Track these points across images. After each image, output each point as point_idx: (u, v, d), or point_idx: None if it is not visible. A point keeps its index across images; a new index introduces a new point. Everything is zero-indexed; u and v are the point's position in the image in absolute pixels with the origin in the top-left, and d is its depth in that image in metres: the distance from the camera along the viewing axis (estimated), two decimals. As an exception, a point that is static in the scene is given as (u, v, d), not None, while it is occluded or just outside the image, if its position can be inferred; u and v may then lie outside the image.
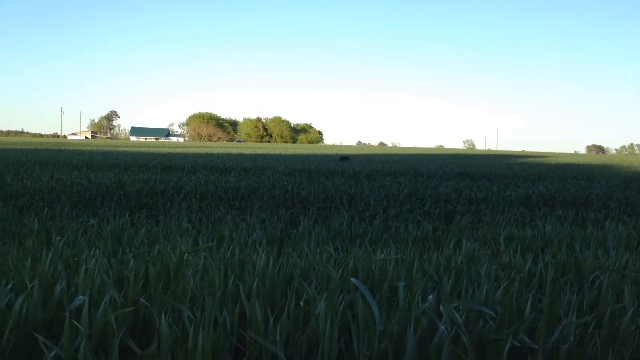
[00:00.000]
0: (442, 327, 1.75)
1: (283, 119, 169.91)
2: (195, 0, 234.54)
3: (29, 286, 1.97)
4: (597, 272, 2.80)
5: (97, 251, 3.30)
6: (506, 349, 1.65)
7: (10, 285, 2.09)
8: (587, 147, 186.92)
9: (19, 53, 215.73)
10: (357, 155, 30.68)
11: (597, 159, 43.44)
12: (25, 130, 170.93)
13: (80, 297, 1.86)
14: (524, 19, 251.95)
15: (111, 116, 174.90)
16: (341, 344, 1.94)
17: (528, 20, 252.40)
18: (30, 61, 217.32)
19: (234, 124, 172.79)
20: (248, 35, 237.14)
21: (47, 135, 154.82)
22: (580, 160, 34.54)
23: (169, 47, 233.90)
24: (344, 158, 23.64)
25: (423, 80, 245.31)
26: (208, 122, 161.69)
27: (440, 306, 1.98)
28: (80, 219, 5.58)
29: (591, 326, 1.97)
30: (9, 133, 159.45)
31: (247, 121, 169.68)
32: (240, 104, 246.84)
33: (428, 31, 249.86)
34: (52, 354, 1.65)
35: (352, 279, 2.06)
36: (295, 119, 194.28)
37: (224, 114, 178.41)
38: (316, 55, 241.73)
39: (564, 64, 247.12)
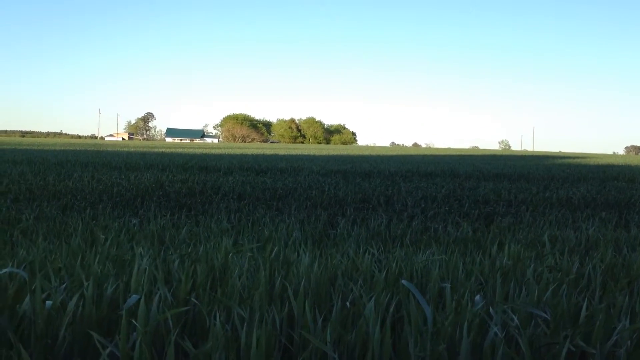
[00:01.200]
0: (494, 329, 1.73)
1: (317, 119, 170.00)
2: (233, 3, 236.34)
3: (84, 284, 2.00)
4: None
5: (142, 251, 3.35)
6: (563, 353, 1.62)
7: (64, 284, 2.13)
8: (626, 147, 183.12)
9: (57, 55, 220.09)
10: (398, 156, 30.56)
11: (637, 160, 42.53)
12: (63, 132, 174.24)
13: (134, 296, 1.88)
14: (561, 20, 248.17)
15: (147, 118, 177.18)
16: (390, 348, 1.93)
17: (566, 22, 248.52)
18: (69, 63, 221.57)
19: (267, 125, 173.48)
20: (282, 38, 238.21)
21: (85, 137, 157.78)
22: (620, 161, 33.88)
23: (204, 49, 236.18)
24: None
25: (457, 80, 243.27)
26: (242, 123, 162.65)
27: (491, 308, 1.96)
28: (122, 219, 5.65)
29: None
30: (48, 134, 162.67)
31: (281, 122, 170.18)
32: (274, 106, 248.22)
33: (463, 34, 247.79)
34: (107, 351, 1.67)
35: (402, 281, 2.05)
36: (329, 120, 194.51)
37: (258, 115, 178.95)
38: (350, 58, 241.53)
39: (600, 63, 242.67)
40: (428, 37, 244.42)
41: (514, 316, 1.87)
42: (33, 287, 1.88)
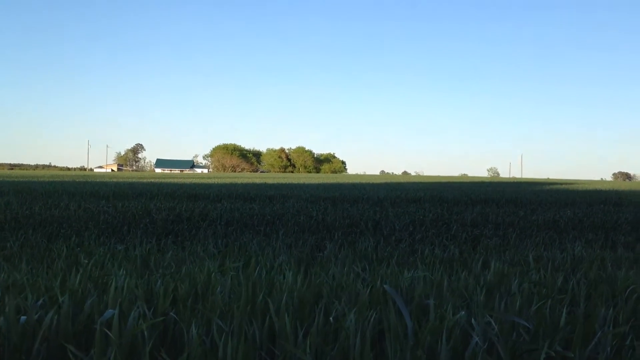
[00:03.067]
0: (476, 338, 1.71)
1: (306, 149, 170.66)
2: (220, 34, 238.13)
3: (60, 299, 1.98)
4: (633, 287, 2.74)
5: (125, 272, 3.31)
6: (542, 358, 1.61)
7: (41, 300, 2.10)
8: (614, 174, 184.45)
9: (45, 87, 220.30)
10: (387, 184, 30.60)
11: (624, 186, 42.82)
12: (52, 164, 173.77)
13: (110, 310, 1.86)
14: (547, 47, 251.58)
15: (137, 149, 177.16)
16: (371, 358, 1.91)
17: (552, 48, 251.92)
18: (58, 95, 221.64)
19: (257, 154, 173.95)
20: (271, 67, 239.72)
21: (74, 169, 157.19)
22: (608, 187, 34.07)
23: (192, 80, 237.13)
24: None
25: (446, 109, 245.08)
26: (232, 153, 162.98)
27: (472, 319, 1.94)
28: (108, 246, 5.61)
29: (629, 339, 1.92)
30: (36, 167, 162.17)
31: (271, 152, 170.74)
32: (264, 135, 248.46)
33: (451, 63, 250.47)
34: (83, 365, 1.65)
35: (385, 286, 2.04)
36: (319, 149, 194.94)
37: (248, 144, 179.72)
38: (339, 87, 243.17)
39: (588, 91, 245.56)
40: (416, 66, 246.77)
41: (495, 326, 1.85)
42: (6, 302, 1.85)
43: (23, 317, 1.83)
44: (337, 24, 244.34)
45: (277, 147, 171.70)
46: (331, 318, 2.21)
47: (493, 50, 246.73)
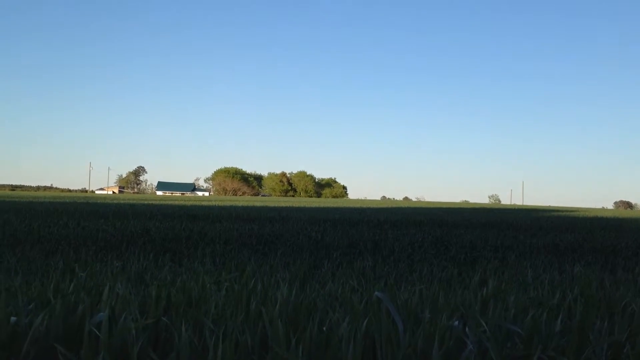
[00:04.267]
0: (470, 345, 1.70)
1: (307, 173, 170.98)
2: (220, 59, 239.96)
3: (52, 301, 1.97)
4: (627, 300, 2.72)
5: (120, 284, 3.30)
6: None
7: (32, 304, 2.09)
8: (615, 202, 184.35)
9: (47, 109, 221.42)
10: (389, 209, 30.58)
11: (625, 214, 42.78)
12: (54, 186, 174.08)
13: (101, 313, 1.85)
14: (546, 74, 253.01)
15: (138, 171, 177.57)
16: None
17: (552, 75, 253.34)
18: (60, 117, 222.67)
19: (258, 178, 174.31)
20: (272, 92, 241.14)
21: (76, 190, 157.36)
22: (609, 215, 34.03)
23: (195, 103, 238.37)
24: None
25: (447, 135, 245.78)
26: (233, 176, 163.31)
27: (467, 328, 1.93)
28: (105, 261, 5.60)
29: (625, 348, 1.90)
30: (38, 188, 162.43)
31: (272, 176, 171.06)
32: (265, 159, 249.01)
33: (452, 88, 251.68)
34: (72, 365, 1.63)
35: (376, 293, 2.03)
36: (320, 174, 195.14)
37: (249, 168, 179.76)
38: (341, 110, 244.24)
39: (589, 119, 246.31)
40: (418, 93, 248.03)
41: (489, 334, 1.84)
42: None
43: (13, 318, 1.82)
44: (337, 51, 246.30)
45: (278, 171, 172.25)
46: (324, 328, 2.20)
47: (495, 77, 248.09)
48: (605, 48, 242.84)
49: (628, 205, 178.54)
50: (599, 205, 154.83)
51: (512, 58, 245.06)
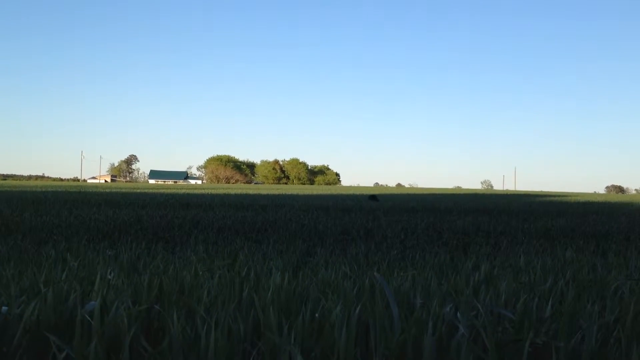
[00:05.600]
0: (462, 329, 1.71)
1: (300, 160, 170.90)
2: (214, 44, 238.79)
3: (43, 290, 1.96)
4: (618, 282, 2.74)
5: (112, 272, 3.30)
6: (526, 346, 1.60)
7: (24, 297, 2.09)
8: (607, 187, 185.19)
9: (38, 97, 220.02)
10: (381, 195, 30.62)
11: (617, 198, 43.01)
12: (46, 175, 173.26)
13: (93, 302, 1.84)
14: (540, 59, 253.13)
15: (130, 160, 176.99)
16: (357, 351, 1.90)
17: (544, 60, 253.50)
18: (51, 105, 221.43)
19: (251, 166, 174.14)
20: (265, 79, 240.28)
21: (67, 179, 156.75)
22: (600, 199, 34.21)
23: (186, 91, 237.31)
24: (372, 198, 21.74)
25: (440, 121, 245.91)
26: (226, 164, 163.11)
27: (458, 313, 1.94)
28: (98, 250, 5.59)
29: (615, 330, 1.92)
30: (30, 177, 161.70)
31: (265, 163, 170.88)
32: (258, 147, 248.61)
33: (443, 74, 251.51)
34: (64, 355, 1.63)
35: (375, 274, 2.03)
36: (313, 161, 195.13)
37: (242, 156, 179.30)
38: (333, 97, 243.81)
39: (581, 103, 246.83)
40: (410, 79, 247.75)
41: (482, 318, 1.85)
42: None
43: (5, 307, 1.82)
44: (330, 38, 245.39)
45: (271, 158, 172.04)
46: (317, 314, 2.20)
47: (486, 62, 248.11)
48: (598, 31, 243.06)
49: (620, 189, 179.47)
50: (591, 190, 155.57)
51: (502, 43, 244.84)
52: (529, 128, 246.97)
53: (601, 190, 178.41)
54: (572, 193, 72.80)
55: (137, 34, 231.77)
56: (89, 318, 1.69)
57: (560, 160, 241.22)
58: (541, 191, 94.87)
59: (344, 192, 39.19)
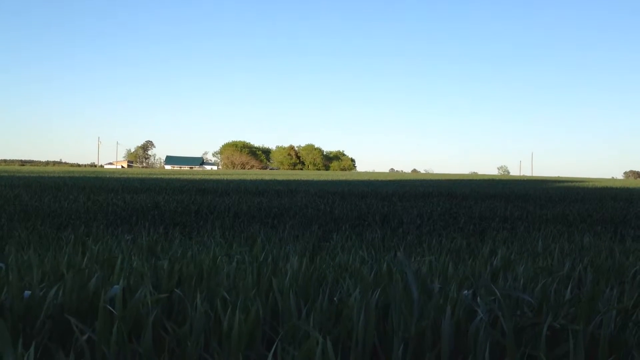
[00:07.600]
0: (481, 314, 1.71)
1: (315, 146, 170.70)
2: (232, 33, 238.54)
3: (66, 275, 1.99)
4: (637, 268, 2.73)
5: (132, 257, 3.33)
6: (544, 329, 1.60)
7: (46, 278, 2.12)
8: (625, 172, 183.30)
9: (57, 83, 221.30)
10: (397, 181, 30.58)
11: (635, 184, 42.60)
12: (63, 160, 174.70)
13: (116, 286, 1.87)
14: (557, 46, 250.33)
15: (147, 146, 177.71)
16: (374, 337, 1.91)
17: (561, 47, 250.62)
18: (69, 92, 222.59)
19: (266, 152, 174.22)
20: (281, 65, 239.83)
21: (85, 165, 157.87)
22: (618, 185, 33.90)
23: (203, 78, 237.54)
24: None
25: (456, 107, 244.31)
26: (241, 150, 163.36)
27: (478, 297, 1.94)
28: (116, 235, 5.64)
29: (634, 315, 1.91)
30: (47, 163, 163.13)
31: (280, 149, 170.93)
32: (273, 133, 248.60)
33: (462, 63, 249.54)
34: (85, 337, 1.65)
35: (398, 253, 2.04)
36: (328, 147, 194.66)
37: (257, 142, 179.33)
38: (349, 83, 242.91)
39: (599, 89, 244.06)
40: (426, 65, 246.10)
41: (498, 293, 1.85)
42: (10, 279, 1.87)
43: (27, 292, 1.85)
44: (347, 24, 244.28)
45: (286, 144, 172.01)
46: (335, 298, 2.21)
47: (502, 49, 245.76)
48: (615, 19, 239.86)
49: (638, 175, 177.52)
50: (608, 176, 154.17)
51: (523, 30, 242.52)
52: (546, 114, 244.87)
53: (619, 175, 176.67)
54: (590, 179, 72.20)
55: (153, 21, 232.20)
56: (110, 308, 1.71)
57: (577, 146, 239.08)
58: (558, 177, 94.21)
59: (359, 178, 39.15)
